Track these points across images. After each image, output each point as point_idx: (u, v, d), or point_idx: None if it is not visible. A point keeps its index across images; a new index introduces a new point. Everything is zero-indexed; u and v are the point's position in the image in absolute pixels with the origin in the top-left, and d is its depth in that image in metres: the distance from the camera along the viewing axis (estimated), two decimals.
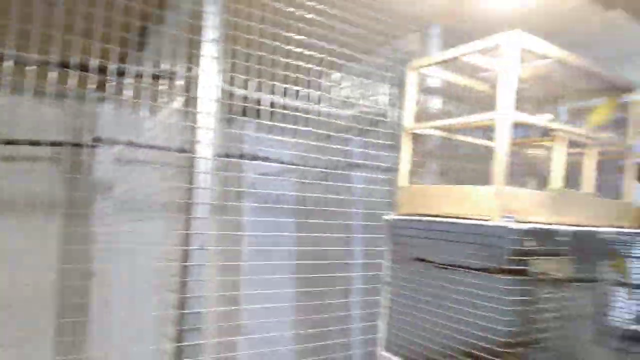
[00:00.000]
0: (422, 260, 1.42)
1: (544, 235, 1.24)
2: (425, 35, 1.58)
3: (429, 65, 1.38)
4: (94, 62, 1.11)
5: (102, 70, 1.20)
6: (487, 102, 1.44)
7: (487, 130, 1.58)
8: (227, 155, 1.48)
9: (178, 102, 1.23)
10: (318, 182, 1.59)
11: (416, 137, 1.54)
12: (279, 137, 1.53)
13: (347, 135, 1.61)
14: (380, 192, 1.65)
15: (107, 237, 1.71)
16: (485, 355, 1.19)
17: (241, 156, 1.67)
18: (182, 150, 1.26)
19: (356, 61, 1.52)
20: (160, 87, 1.28)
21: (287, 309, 1.63)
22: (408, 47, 1.59)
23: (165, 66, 1.21)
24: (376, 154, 1.64)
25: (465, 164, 1.66)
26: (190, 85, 1.18)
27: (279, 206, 1.52)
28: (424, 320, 1.35)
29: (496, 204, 1.13)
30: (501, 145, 1.13)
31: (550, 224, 1.21)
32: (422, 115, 1.55)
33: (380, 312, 1.46)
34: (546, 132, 1.33)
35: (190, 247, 1.09)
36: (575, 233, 1.22)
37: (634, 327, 1.64)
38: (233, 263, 1.59)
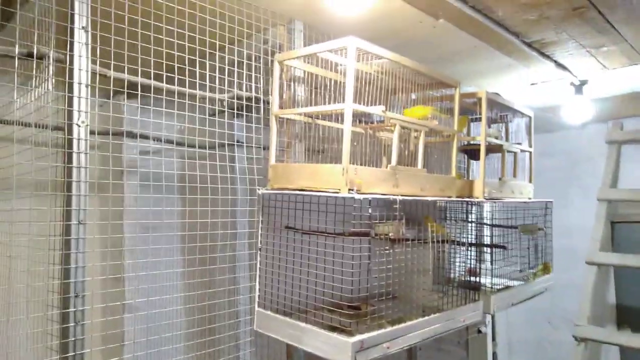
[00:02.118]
0: (290, 228, 1.65)
1: (382, 204, 1.52)
2: (290, 30, 1.78)
3: (292, 58, 1.59)
4: None
5: None
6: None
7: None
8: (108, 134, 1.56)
9: (51, 83, 1.29)
10: (203, 160, 1.71)
11: (285, 121, 1.75)
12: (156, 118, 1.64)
13: (225, 117, 1.77)
14: (261, 169, 1.84)
15: None
16: (339, 307, 1.46)
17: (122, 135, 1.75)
18: (57, 129, 1.32)
19: (225, 51, 1.68)
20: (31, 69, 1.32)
21: (177, 277, 1.77)
22: (275, 39, 1.79)
23: (33, 48, 1.26)
24: (255, 135, 1.82)
25: (330, 145, 1.90)
26: (62, 68, 1.25)
27: (162, 184, 1.63)
28: (291, 279, 1.58)
29: (343, 179, 1.38)
30: (346, 130, 1.38)
31: (388, 194, 1.50)
32: (291, 102, 1.76)
33: (256, 274, 1.66)
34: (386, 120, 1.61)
35: (70, 222, 1.18)
36: (406, 201, 1.52)
37: (466, 277, 2.05)
38: (115, 236, 1.67)
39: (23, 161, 1.36)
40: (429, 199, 1.64)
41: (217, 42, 1.63)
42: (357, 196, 1.36)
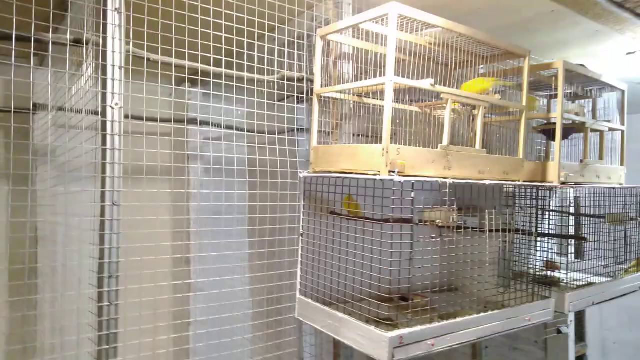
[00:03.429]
0: (336, 214, 1.57)
1: (431, 188, 1.39)
2: (337, 4, 1.67)
3: (333, 32, 1.48)
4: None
5: (24, 39, 1.27)
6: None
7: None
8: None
9: (95, 68, 1.31)
10: (262, 145, 1.67)
11: (331, 102, 1.66)
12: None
13: (276, 100, 1.71)
14: (307, 152, 1.76)
15: (51, 200, 1.81)
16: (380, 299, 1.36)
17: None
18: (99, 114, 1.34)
19: (274, 31, 1.61)
20: (80, 55, 1.37)
21: (239, 261, 1.79)
22: (322, 15, 1.69)
23: (79, 35, 1.29)
24: (298, 117, 1.75)
25: (377, 125, 1.77)
26: (103, 52, 1.26)
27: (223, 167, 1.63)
28: (333, 267, 1.50)
29: (383, 160, 1.27)
30: (387, 107, 1.26)
31: (437, 177, 1.36)
32: (338, 80, 1.66)
33: (297, 260, 1.60)
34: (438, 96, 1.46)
35: (105, 204, 1.20)
36: (459, 186, 1.37)
37: (539, 271, 1.84)
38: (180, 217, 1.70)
39: (73, 145, 1.42)
40: (487, 182, 1.47)
41: (257, 21, 1.57)
42: (397, 179, 1.24)
